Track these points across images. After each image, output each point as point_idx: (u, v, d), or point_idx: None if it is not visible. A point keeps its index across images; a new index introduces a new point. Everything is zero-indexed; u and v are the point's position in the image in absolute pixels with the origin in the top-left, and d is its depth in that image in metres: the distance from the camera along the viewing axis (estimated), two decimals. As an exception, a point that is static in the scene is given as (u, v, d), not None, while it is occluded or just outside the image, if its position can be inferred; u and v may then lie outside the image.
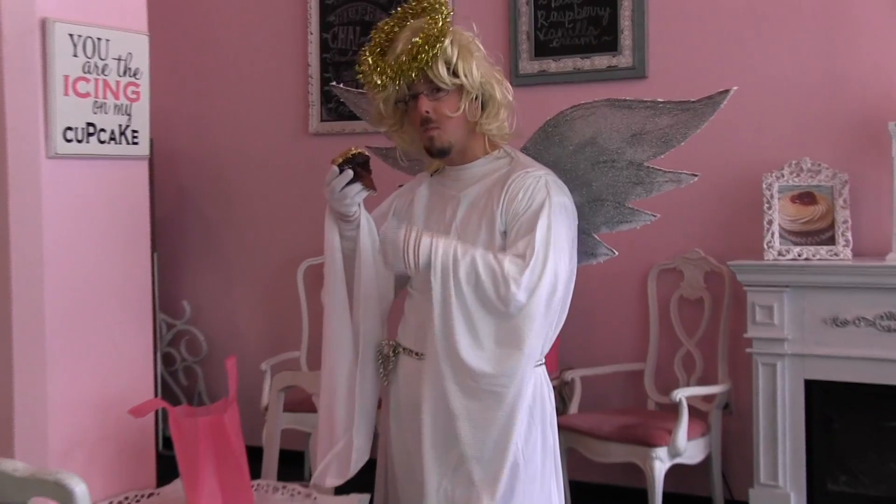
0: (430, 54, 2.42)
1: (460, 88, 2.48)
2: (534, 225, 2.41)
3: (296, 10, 5.38)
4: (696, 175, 2.57)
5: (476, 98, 2.51)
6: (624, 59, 4.58)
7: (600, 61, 4.63)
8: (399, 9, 2.57)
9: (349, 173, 2.44)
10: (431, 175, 2.69)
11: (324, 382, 2.61)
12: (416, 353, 2.53)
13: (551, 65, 4.73)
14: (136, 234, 3.45)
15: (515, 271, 2.36)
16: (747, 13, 4.40)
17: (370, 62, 2.51)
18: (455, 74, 2.46)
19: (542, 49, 4.76)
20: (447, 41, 2.44)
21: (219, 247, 5.62)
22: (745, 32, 4.40)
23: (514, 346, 2.36)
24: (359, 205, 2.52)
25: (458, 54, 2.46)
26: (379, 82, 2.48)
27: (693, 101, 2.47)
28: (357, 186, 2.46)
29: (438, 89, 2.47)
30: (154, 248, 4.91)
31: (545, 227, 2.40)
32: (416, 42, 2.43)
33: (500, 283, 2.35)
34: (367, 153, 2.47)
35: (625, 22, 4.58)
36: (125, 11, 3.36)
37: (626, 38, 4.58)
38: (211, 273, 5.64)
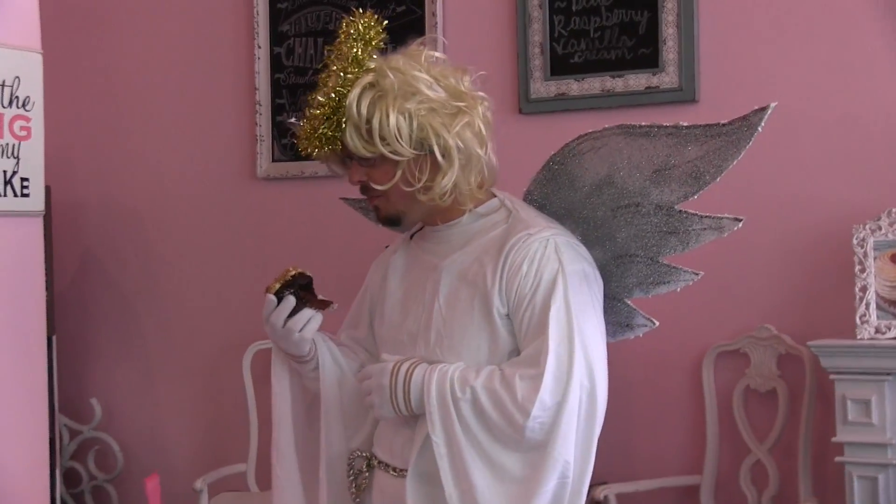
0: (333, 125, 2.49)
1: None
2: (546, 317, 2.42)
3: (238, 19, 5.40)
4: (739, 219, 2.61)
5: (425, 155, 2.52)
6: (667, 77, 4.60)
7: (636, 81, 4.64)
8: (325, 52, 2.62)
9: (291, 300, 2.50)
10: (411, 237, 2.70)
11: None
12: (395, 469, 2.57)
13: (573, 86, 4.74)
14: (29, 312, 3.44)
15: (528, 391, 2.38)
16: (839, 13, 4.37)
17: (305, 127, 2.58)
18: (370, 139, 2.50)
19: (560, 66, 4.77)
20: (353, 95, 2.46)
21: (137, 328, 5.59)
22: (832, 40, 4.39)
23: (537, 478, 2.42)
24: (314, 340, 2.58)
25: (374, 108, 2.48)
26: (310, 151, 2.57)
27: (723, 124, 2.51)
28: (305, 314, 2.52)
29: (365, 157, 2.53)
30: (52, 330, 4.88)
31: (562, 313, 2.43)
32: (322, 110, 2.51)
33: (513, 414, 2.39)
34: (308, 273, 2.53)
35: (668, 29, 4.59)
36: (11, 23, 3.37)
37: (669, 51, 4.59)
38: (127, 363, 5.60)
